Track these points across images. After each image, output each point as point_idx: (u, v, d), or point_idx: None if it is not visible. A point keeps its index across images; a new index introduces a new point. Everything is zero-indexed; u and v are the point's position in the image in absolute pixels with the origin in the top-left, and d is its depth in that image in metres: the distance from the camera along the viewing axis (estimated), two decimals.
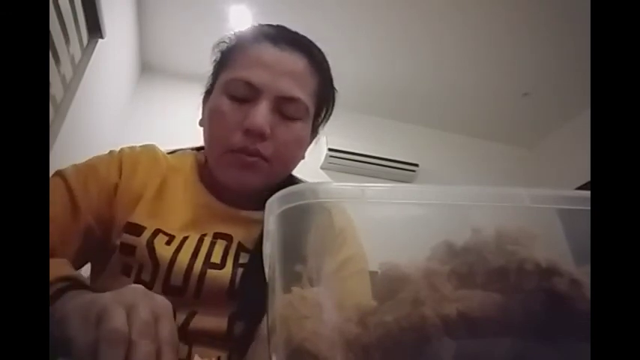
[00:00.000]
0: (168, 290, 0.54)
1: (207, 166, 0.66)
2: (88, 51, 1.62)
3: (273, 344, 0.23)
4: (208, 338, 0.54)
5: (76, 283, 0.44)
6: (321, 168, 2.68)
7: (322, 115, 0.69)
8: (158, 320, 0.34)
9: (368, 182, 0.25)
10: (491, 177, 2.87)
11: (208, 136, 0.62)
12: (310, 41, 0.65)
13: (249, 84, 0.58)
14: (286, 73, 0.59)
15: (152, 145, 0.68)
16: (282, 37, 0.62)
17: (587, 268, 0.20)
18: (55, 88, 1.41)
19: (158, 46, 2.50)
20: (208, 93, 0.67)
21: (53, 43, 1.26)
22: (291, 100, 0.59)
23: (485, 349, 0.19)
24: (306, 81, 0.62)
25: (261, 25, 0.65)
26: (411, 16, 2.19)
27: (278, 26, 0.65)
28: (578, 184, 2.31)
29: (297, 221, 0.24)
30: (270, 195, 0.62)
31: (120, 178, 0.61)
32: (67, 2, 1.32)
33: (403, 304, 0.20)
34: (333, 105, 0.70)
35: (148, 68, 2.58)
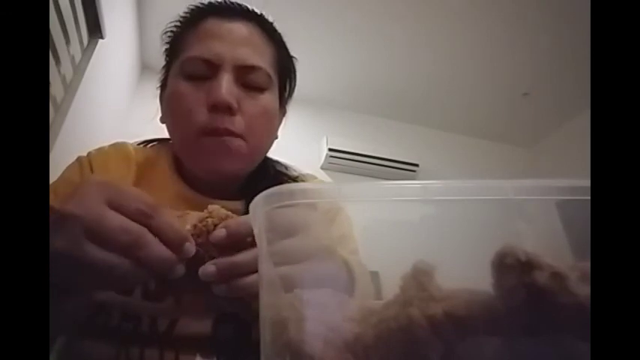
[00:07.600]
0: (147, 295, 0.50)
1: None
2: (88, 51, 1.62)
3: (267, 345, 0.23)
4: (196, 344, 0.50)
5: None
6: (322, 168, 2.68)
7: (287, 89, 0.66)
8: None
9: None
10: (491, 177, 2.86)
11: (172, 123, 0.58)
12: (256, 11, 0.62)
13: (205, 60, 0.55)
14: (241, 41, 0.57)
15: (122, 142, 0.65)
16: (228, 9, 0.60)
17: (586, 264, 0.20)
18: (56, 89, 1.41)
19: (158, 46, 2.47)
20: (164, 87, 0.63)
21: (53, 43, 1.26)
22: (252, 68, 0.56)
23: (474, 348, 0.19)
24: (262, 49, 0.59)
25: (203, 3, 0.63)
26: (411, 17, 2.19)
27: (223, 0, 0.62)
28: None
29: (281, 223, 0.24)
30: (248, 181, 0.62)
31: None
32: (67, 2, 1.32)
33: (393, 304, 0.20)
34: (295, 76, 0.67)
35: (147, 68, 2.57)
